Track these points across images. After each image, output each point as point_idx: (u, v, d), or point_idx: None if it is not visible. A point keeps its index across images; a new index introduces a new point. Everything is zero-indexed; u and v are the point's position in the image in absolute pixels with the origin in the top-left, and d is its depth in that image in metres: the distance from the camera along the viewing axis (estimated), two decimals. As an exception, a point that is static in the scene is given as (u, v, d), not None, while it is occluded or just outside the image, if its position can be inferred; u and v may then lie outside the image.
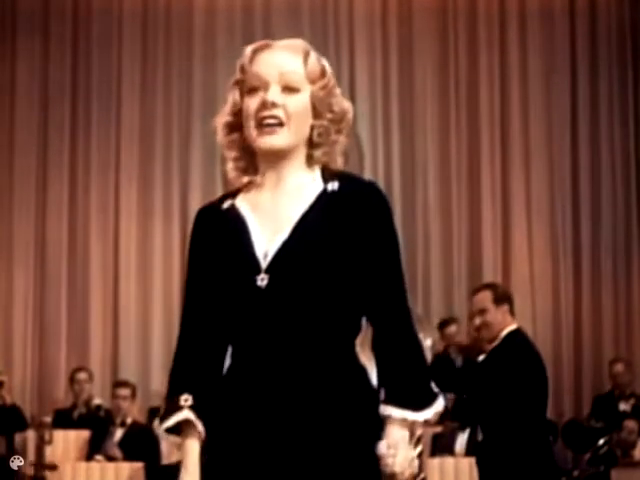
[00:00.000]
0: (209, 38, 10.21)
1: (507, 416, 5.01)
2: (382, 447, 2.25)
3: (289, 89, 2.32)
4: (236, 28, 10.18)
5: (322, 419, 2.24)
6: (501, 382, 5.04)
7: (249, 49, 2.37)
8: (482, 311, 5.25)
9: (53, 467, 7.62)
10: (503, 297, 5.30)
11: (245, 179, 2.41)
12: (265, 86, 2.31)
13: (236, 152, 2.39)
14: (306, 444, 2.23)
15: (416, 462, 2.29)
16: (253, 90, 2.33)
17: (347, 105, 2.41)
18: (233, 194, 2.41)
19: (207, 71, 10.02)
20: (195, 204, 9.06)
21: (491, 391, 5.08)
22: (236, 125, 2.37)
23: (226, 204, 2.39)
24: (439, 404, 2.30)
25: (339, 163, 2.41)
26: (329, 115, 2.36)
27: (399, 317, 2.31)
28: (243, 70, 2.37)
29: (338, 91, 2.40)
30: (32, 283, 9.90)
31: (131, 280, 9.94)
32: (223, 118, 2.39)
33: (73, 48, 10.17)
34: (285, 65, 2.33)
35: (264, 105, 2.30)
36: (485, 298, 5.28)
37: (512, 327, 5.23)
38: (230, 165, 2.40)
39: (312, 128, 2.36)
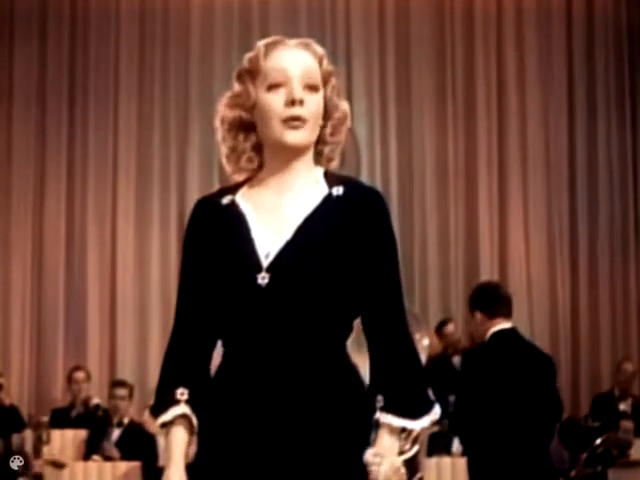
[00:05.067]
0: (206, 40, 10.22)
1: (489, 419, 5.04)
2: (369, 455, 2.26)
3: (310, 88, 2.33)
4: (233, 29, 10.20)
5: (313, 419, 2.25)
6: (473, 386, 5.10)
7: (262, 43, 2.37)
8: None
9: (61, 465, 7.65)
10: (474, 305, 5.35)
11: (242, 177, 2.41)
12: (290, 83, 2.31)
13: (241, 146, 2.38)
14: (296, 443, 2.24)
15: (402, 470, 2.28)
16: (275, 86, 2.32)
17: (347, 106, 2.44)
18: (233, 189, 2.41)
19: (204, 74, 10.03)
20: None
21: (471, 395, 5.13)
22: (247, 120, 2.36)
23: (226, 199, 2.38)
24: (435, 412, 2.32)
25: (338, 160, 2.44)
26: (337, 114, 2.40)
27: (395, 324, 2.32)
28: (256, 63, 2.35)
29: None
30: (29, 284, 9.91)
31: (128, 280, 9.96)
32: (234, 112, 2.37)
33: (70, 51, 10.17)
34: (308, 65, 2.34)
35: (292, 102, 2.29)
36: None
37: (494, 329, 5.25)
38: (241, 161, 2.39)
39: (322, 127, 2.37)
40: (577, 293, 10.27)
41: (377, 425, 2.29)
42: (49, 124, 10.07)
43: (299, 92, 2.30)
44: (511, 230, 10.33)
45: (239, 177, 2.42)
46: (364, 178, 8.84)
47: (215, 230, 2.35)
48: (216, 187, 8.96)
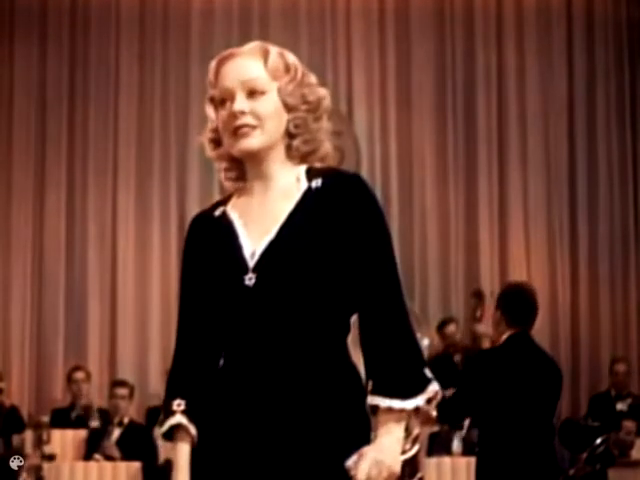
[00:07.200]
0: (206, 42, 10.21)
1: (497, 417, 5.05)
2: (350, 461, 2.20)
3: (255, 93, 2.36)
4: (233, 29, 10.20)
5: (310, 419, 2.24)
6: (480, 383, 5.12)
7: (213, 63, 2.44)
8: None
9: (52, 457, 7.68)
10: (499, 303, 5.33)
11: (236, 186, 2.46)
12: (231, 96, 2.37)
13: (225, 163, 2.45)
14: (294, 444, 2.23)
15: (386, 464, 2.19)
16: (223, 102, 2.39)
17: (322, 92, 2.43)
18: (225, 201, 2.46)
19: (204, 75, 10.01)
20: (192, 208, 9.09)
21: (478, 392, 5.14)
22: (218, 139, 2.44)
23: (218, 211, 2.43)
24: (432, 390, 2.24)
25: (326, 149, 2.43)
26: (304, 106, 2.39)
27: (391, 306, 2.28)
28: (212, 84, 2.44)
29: (312, 80, 2.42)
30: (30, 284, 9.91)
31: (128, 280, 9.96)
32: (206, 135, 2.47)
33: (70, 51, 10.18)
34: (245, 72, 2.37)
35: (233, 115, 2.35)
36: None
37: (509, 333, 5.23)
38: (222, 175, 2.47)
39: (288, 122, 2.38)
40: (577, 293, 10.27)
41: (372, 413, 2.26)
42: (49, 124, 10.07)
43: (238, 104, 2.35)
44: (511, 230, 10.33)
45: (234, 188, 2.49)
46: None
47: (208, 242, 2.40)
48: (216, 187, 8.95)
